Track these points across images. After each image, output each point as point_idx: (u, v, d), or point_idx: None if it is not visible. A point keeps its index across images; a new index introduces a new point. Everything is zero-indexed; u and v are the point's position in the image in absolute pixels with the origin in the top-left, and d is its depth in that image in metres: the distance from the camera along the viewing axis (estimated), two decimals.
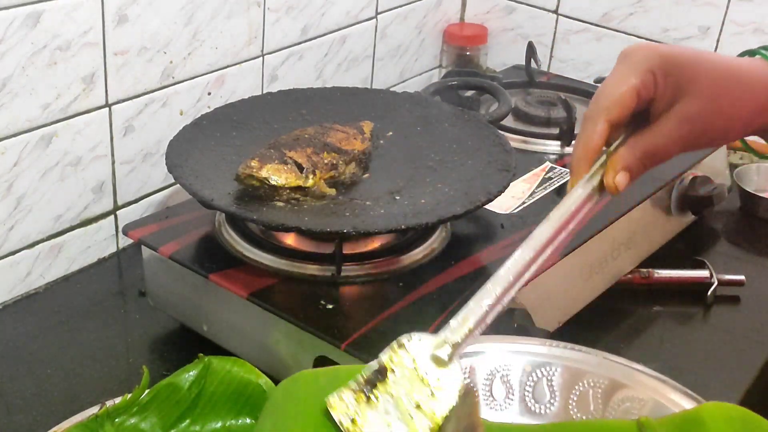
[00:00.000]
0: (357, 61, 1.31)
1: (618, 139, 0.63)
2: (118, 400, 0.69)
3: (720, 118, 0.61)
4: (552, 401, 0.61)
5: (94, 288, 1.00)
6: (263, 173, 0.83)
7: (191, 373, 0.71)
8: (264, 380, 0.70)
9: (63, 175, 0.97)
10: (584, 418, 0.61)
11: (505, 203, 0.96)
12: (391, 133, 1.00)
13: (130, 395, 0.69)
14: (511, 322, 0.80)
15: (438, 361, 0.57)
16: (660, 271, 1.02)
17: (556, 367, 0.62)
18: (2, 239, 0.94)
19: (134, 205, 1.06)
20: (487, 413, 0.61)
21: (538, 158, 1.08)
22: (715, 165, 1.17)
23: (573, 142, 1.10)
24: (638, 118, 0.62)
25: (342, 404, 0.56)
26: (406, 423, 0.55)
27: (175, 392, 0.70)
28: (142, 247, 0.90)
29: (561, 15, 1.42)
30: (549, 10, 1.43)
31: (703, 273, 1.03)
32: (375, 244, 0.89)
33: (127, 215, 1.05)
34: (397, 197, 0.88)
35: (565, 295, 0.91)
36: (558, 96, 1.22)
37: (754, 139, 1.31)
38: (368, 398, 0.56)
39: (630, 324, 0.97)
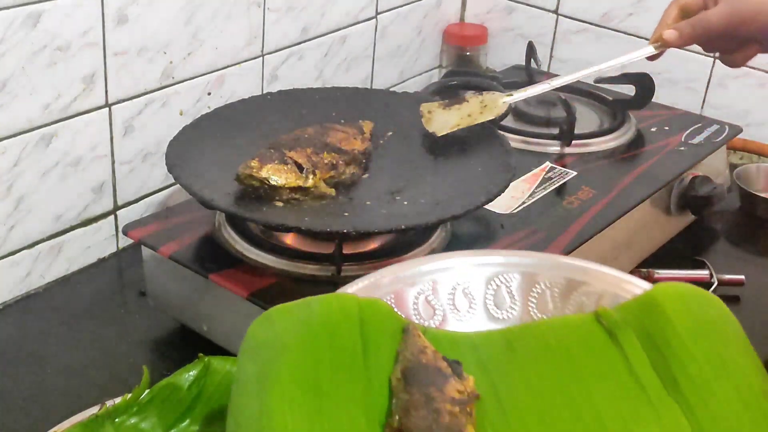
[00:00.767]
0: (357, 61, 1.31)
1: None
2: (118, 400, 0.69)
3: (753, 2, 0.83)
4: (513, 306, 0.64)
5: (94, 288, 1.00)
6: (263, 173, 0.83)
7: (191, 373, 0.71)
8: None
9: (63, 175, 0.97)
10: (545, 317, 0.64)
11: (505, 203, 0.96)
12: (391, 133, 1.00)
13: (130, 395, 0.69)
14: None
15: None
16: (660, 271, 1.02)
17: (513, 274, 0.65)
18: (2, 239, 0.94)
19: (134, 205, 1.06)
20: (454, 324, 0.63)
21: (538, 158, 1.08)
22: (715, 165, 1.17)
23: (573, 142, 1.11)
24: None
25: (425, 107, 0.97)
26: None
27: (175, 392, 0.70)
28: (142, 247, 0.90)
29: (561, 15, 1.42)
30: (549, 10, 1.43)
31: (703, 273, 1.03)
32: (375, 244, 0.89)
33: (127, 215, 1.05)
34: (397, 197, 0.88)
35: None
36: (558, 96, 1.22)
37: (754, 140, 1.31)
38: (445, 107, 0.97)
39: None
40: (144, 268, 0.92)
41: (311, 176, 0.85)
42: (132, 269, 1.02)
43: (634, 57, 0.96)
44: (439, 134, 0.96)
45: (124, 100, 1.00)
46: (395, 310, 0.62)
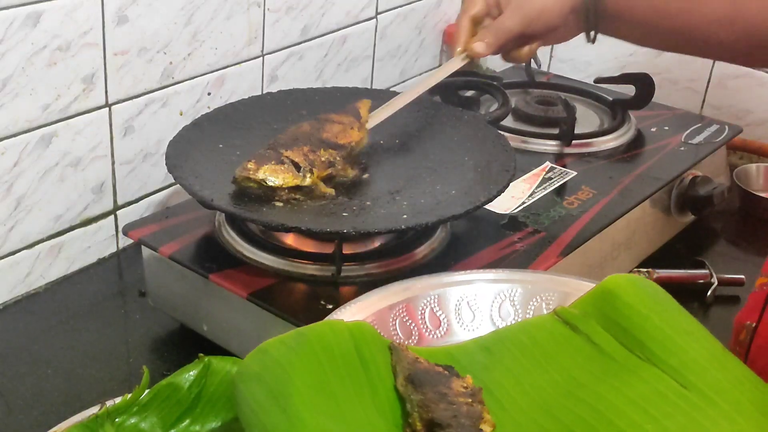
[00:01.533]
0: (357, 61, 1.31)
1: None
2: (118, 400, 0.69)
3: (536, 2, 0.91)
4: (517, 318, 0.69)
5: (94, 288, 1.00)
6: (260, 175, 0.83)
7: (191, 373, 0.71)
8: None
9: (63, 175, 0.97)
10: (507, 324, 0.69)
11: (505, 203, 0.96)
12: (391, 133, 1.00)
13: (130, 395, 0.69)
14: None
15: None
16: (660, 271, 1.02)
17: (516, 288, 0.71)
18: (2, 239, 0.94)
19: (134, 205, 1.06)
20: (463, 335, 0.69)
21: (538, 158, 1.08)
22: (715, 165, 1.17)
23: (573, 142, 1.11)
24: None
25: None
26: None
27: (175, 392, 0.70)
28: (142, 247, 0.90)
29: None
30: None
31: (703, 273, 1.03)
32: (375, 244, 0.89)
33: (127, 215, 1.05)
34: (397, 197, 0.88)
35: None
36: (558, 96, 1.22)
37: (754, 140, 1.31)
38: None
39: None
40: (144, 268, 0.92)
41: (308, 175, 0.85)
42: (132, 269, 1.02)
43: (449, 71, 0.97)
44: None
45: (124, 100, 1.00)
46: (378, 330, 0.66)
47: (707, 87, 1.33)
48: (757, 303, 0.66)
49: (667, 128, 1.18)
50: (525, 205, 0.98)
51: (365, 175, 0.93)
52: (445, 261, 0.88)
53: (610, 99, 1.23)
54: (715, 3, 0.85)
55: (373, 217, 0.84)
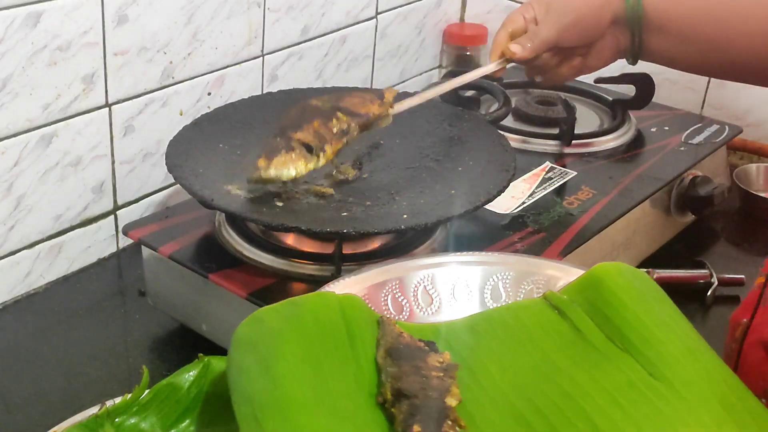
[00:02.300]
0: (357, 61, 1.31)
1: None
2: (118, 400, 0.69)
3: (571, 12, 0.94)
4: (507, 300, 0.71)
5: (94, 288, 1.00)
6: (272, 173, 0.82)
7: (191, 373, 0.70)
8: None
9: (63, 175, 0.97)
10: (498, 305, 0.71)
11: (505, 203, 0.96)
12: (391, 133, 1.00)
13: (130, 395, 0.69)
14: None
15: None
16: (660, 271, 1.02)
17: (469, 270, 0.72)
18: (2, 239, 0.94)
19: (134, 205, 1.06)
20: (452, 314, 0.70)
21: (538, 158, 1.08)
22: (715, 165, 1.17)
23: (573, 142, 1.11)
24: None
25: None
26: None
27: (175, 392, 0.70)
28: (142, 247, 0.90)
29: None
30: None
31: (703, 273, 1.03)
32: (375, 244, 0.89)
33: (127, 215, 1.05)
34: (397, 197, 0.88)
35: None
36: (558, 96, 1.22)
37: (754, 140, 1.31)
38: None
39: None
40: (144, 268, 0.92)
41: (321, 154, 0.84)
42: (132, 269, 1.02)
43: (480, 73, 1.01)
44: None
45: (124, 100, 1.00)
46: (368, 305, 0.69)
47: (707, 87, 1.33)
48: (751, 301, 0.67)
49: (667, 128, 1.18)
50: (525, 205, 0.98)
51: (365, 175, 0.93)
52: None
53: (610, 99, 1.23)
54: (758, 15, 0.87)
55: (373, 217, 0.84)
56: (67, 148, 0.96)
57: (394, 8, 1.34)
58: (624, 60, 1.01)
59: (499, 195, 0.86)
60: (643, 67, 1.06)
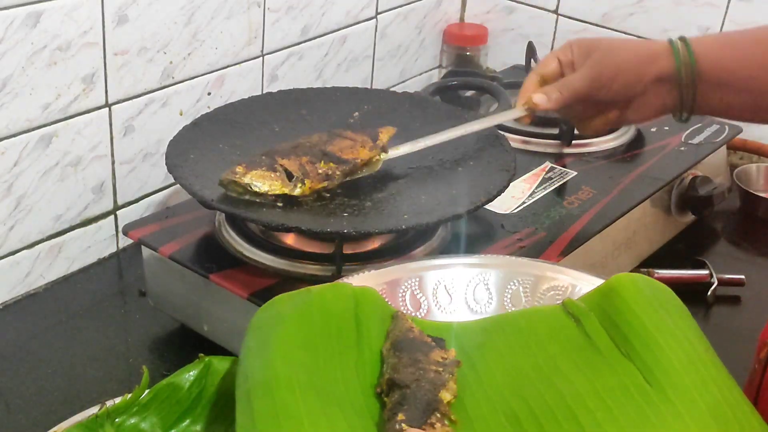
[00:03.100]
0: (357, 61, 1.31)
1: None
2: (118, 400, 0.69)
3: (611, 64, 0.86)
4: (490, 301, 0.72)
5: (94, 288, 1.00)
6: (246, 179, 0.81)
7: (191, 373, 0.71)
8: None
9: (63, 175, 0.97)
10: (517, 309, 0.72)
11: (505, 203, 0.96)
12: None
13: (130, 395, 0.69)
14: None
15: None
16: (660, 271, 1.02)
17: (490, 272, 0.73)
18: (2, 239, 0.94)
19: (134, 205, 1.06)
20: (439, 316, 0.72)
21: (538, 158, 1.08)
22: (715, 165, 1.17)
23: (573, 142, 1.11)
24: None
25: None
26: None
27: (175, 392, 0.70)
28: (142, 247, 0.90)
29: (561, 15, 1.42)
30: (549, 10, 1.43)
31: (703, 273, 1.03)
32: (375, 244, 0.89)
33: (127, 215, 1.05)
34: (397, 197, 0.88)
35: None
36: None
37: (754, 140, 1.31)
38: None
39: None
40: (144, 268, 0.92)
41: (299, 185, 0.84)
42: (132, 269, 1.02)
43: (501, 119, 0.96)
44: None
45: (124, 100, 1.00)
46: (385, 299, 0.70)
47: None
48: None
49: (667, 128, 1.18)
50: (525, 205, 0.98)
51: (365, 175, 0.93)
52: None
53: None
54: None
55: (373, 217, 0.84)
56: (67, 148, 0.96)
57: (394, 8, 1.34)
58: None
59: (499, 195, 0.86)
60: None
